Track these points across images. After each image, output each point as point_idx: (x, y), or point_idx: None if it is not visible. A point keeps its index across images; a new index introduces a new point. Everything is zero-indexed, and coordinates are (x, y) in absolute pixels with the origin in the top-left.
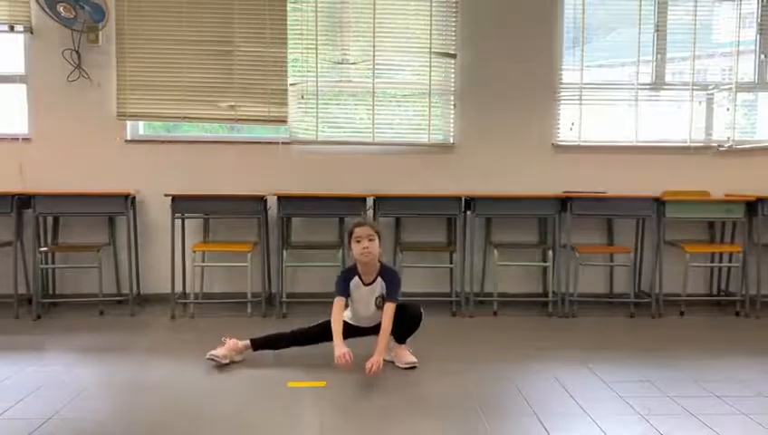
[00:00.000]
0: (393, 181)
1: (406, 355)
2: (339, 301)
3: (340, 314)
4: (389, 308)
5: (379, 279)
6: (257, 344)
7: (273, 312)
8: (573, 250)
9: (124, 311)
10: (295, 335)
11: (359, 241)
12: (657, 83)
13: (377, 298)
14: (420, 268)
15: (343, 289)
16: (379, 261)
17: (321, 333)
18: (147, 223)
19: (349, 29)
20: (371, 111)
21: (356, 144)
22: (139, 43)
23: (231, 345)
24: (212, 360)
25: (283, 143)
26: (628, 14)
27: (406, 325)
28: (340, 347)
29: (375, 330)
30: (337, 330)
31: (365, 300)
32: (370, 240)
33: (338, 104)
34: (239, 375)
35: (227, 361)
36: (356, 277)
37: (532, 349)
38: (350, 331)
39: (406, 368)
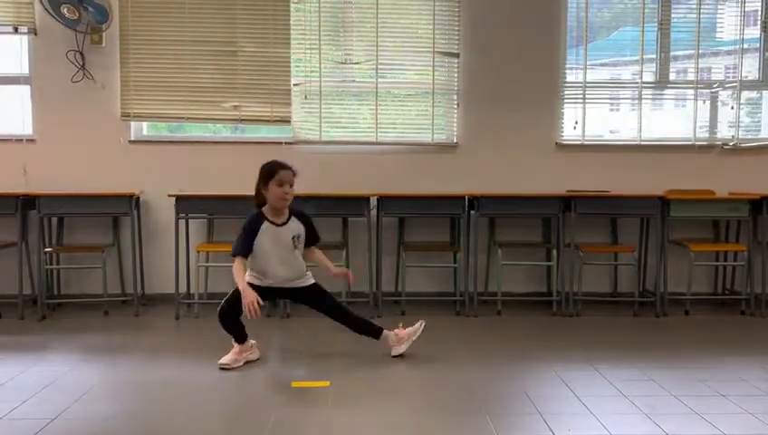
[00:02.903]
0: (396, 181)
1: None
2: (240, 260)
3: (242, 271)
4: (318, 252)
5: (294, 219)
6: (238, 338)
7: (277, 312)
8: (577, 249)
9: (128, 311)
10: (226, 308)
11: (281, 185)
12: (661, 82)
13: (294, 237)
14: (424, 268)
15: (245, 248)
16: None
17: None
18: (151, 223)
19: (352, 29)
20: (375, 111)
21: (359, 144)
22: (142, 44)
23: (236, 349)
24: (224, 369)
25: (286, 143)
26: (631, 12)
27: (350, 322)
28: (248, 291)
29: (283, 292)
30: (240, 277)
31: (277, 243)
32: (291, 186)
33: (341, 104)
34: (243, 375)
35: (240, 364)
36: (265, 222)
37: (536, 348)
38: (259, 292)
39: (394, 356)
